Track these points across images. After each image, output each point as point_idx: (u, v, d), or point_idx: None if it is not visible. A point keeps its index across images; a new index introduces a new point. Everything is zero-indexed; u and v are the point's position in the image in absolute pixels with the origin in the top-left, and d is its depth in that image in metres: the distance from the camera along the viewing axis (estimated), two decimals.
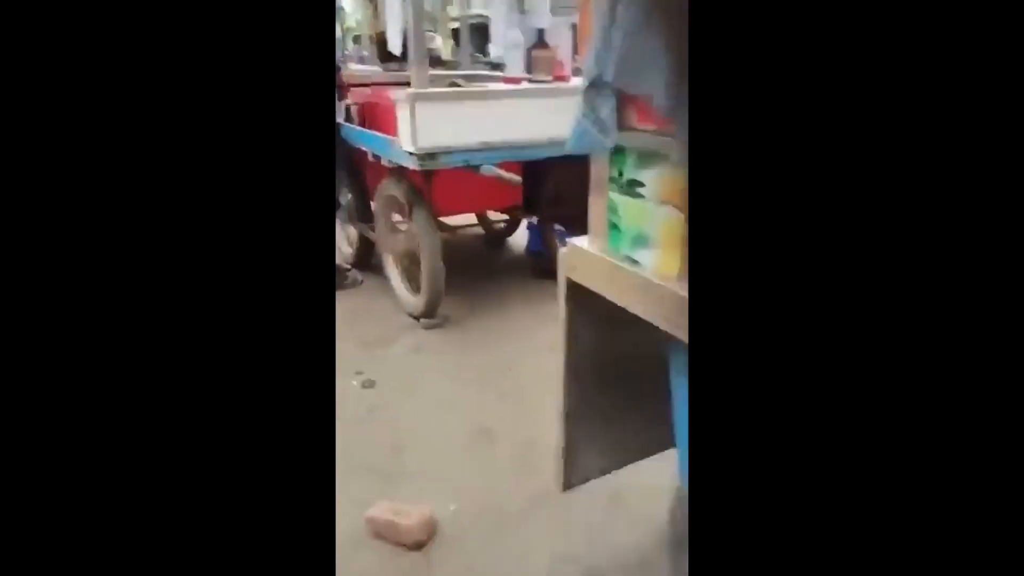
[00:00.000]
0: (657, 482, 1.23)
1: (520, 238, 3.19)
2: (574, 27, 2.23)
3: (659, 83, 0.79)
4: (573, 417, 1.11)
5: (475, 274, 2.85)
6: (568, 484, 1.16)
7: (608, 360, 1.09)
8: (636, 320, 0.86)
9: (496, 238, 3.32)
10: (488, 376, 2.00)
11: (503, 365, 2.06)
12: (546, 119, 1.98)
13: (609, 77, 0.85)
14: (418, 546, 1.32)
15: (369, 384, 1.97)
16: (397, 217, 2.41)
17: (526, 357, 2.07)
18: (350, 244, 2.94)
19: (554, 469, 1.17)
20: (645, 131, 0.84)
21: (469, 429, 1.73)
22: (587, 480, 1.19)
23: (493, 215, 3.20)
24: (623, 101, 0.87)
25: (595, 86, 0.88)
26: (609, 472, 1.21)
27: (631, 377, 1.10)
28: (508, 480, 1.52)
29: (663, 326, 0.82)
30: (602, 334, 1.07)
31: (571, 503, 1.39)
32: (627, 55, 0.82)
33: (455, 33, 4.01)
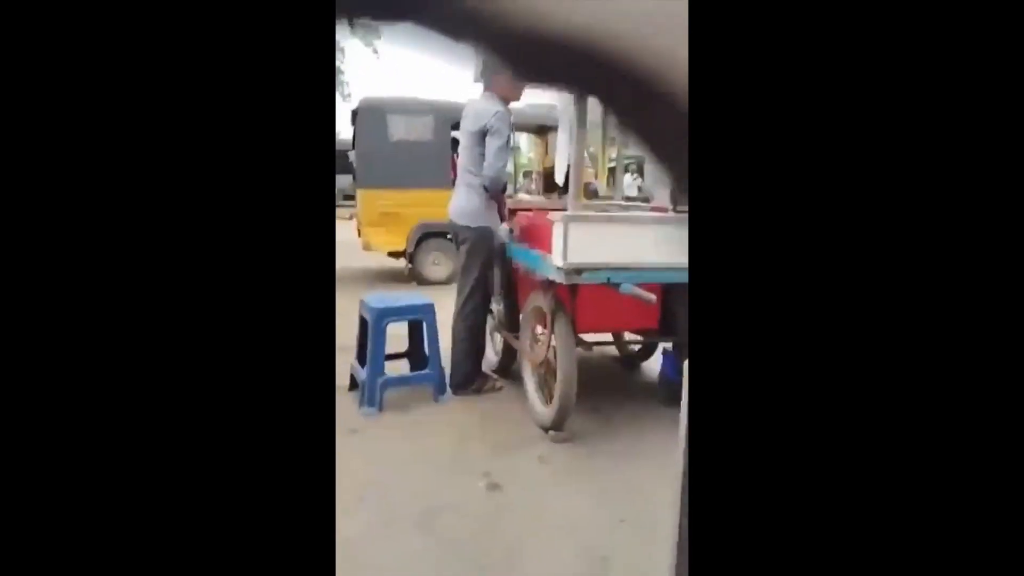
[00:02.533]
0: None
1: (654, 363, 3.13)
2: None
3: None
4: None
5: (607, 394, 2.83)
6: None
7: None
8: None
9: (630, 360, 3.29)
10: (611, 498, 1.91)
11: (628, 489, 1.97)
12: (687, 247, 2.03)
13: None
14: None
15: (493, 487, 1.99)
16: (540, 328, 2.54)
17: (653, 483, 1.96)
18: (496, 352, 3.11)
19: None
20: None
21: (587, 553, 1.65)
22: None
23: (629, 337, 3.20)
24: None
25: None
26: None
27: None
28: None
29: None
30: None
31: None
32: None
33: (612, 172, 4.33)
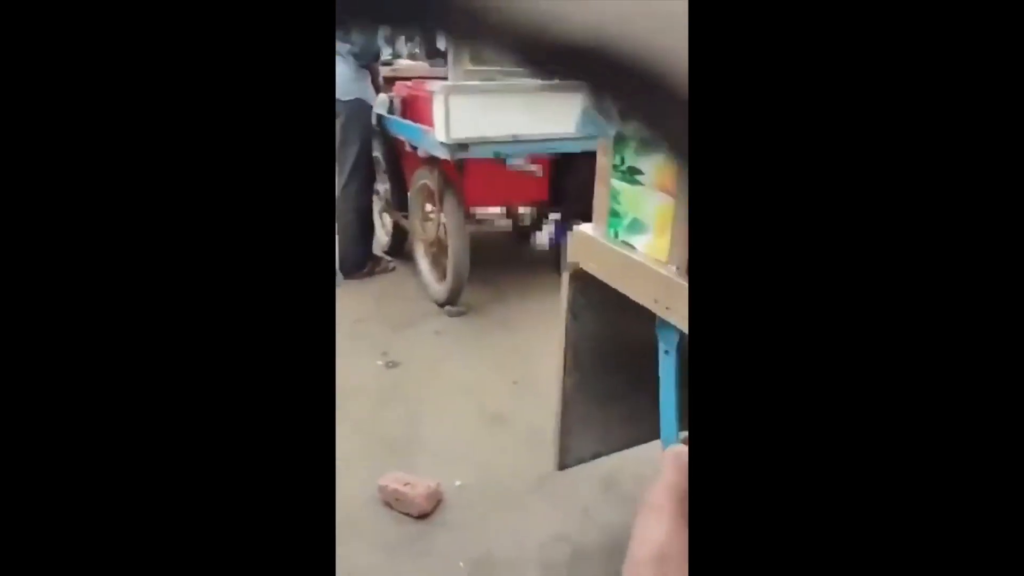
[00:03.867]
0: (648, 469, 1.26)
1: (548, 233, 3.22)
2: None
3: None
4: (570, 400, 1.15)
5: (501, 266, 2.91)
6: (563, 464, 1.20)
7: (608, 346, 1.12)
8: (637, 307, 0.89)
9: (523, 233, 3.36)
10: (505, 363, 2.05)
11: (520, 353, 2.11)
12: (574, 116, 2.01)
13: None
14: (422, 516, 1.38)
15: (392, 364, 2.05)
16: (429, 207, 2.49)
17: (544, 346, 2.11)
18: (386, 232, 3.03)
19: (552, 450, 1.21)
20: None
21: (482, 412, 1.78)
22: (580, 462, 1.22)
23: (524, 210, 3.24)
24: None
25: None
26: (602, 456, 1.24)
27: (629, 364, 1.13)
28: (513, 461, 1.56)
29: (651, 307, 0.85)
30: (603, 319, 1.10)
31: (569, 485, 1.43)
32: None
33: None
